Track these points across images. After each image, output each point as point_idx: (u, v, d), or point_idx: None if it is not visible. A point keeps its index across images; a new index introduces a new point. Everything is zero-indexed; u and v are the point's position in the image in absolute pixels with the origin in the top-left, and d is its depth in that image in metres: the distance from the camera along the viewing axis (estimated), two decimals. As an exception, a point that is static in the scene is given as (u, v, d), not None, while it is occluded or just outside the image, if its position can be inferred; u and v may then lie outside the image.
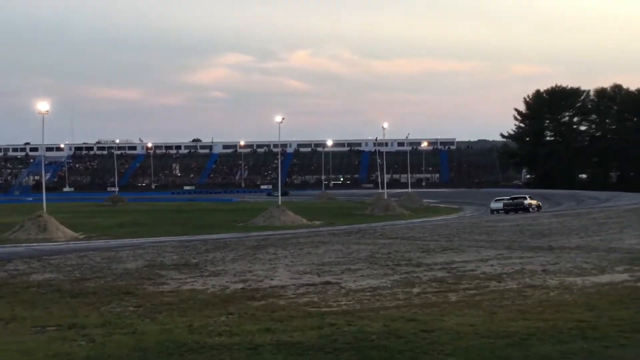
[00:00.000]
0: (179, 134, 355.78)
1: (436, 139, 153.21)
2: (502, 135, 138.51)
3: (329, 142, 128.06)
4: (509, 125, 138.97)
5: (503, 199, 55.81)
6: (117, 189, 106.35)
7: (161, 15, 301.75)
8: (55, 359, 9.22)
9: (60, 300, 13.97)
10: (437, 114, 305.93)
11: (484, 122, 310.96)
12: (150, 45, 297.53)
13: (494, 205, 54.49)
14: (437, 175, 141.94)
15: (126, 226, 43.05)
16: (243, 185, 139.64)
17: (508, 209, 52.33)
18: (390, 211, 57.28)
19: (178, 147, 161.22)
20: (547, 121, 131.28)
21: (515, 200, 54.78)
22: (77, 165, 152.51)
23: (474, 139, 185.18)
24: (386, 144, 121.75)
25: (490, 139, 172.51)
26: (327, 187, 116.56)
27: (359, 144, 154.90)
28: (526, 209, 52.52)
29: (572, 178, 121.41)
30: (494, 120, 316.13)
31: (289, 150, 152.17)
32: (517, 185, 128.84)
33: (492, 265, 17.71)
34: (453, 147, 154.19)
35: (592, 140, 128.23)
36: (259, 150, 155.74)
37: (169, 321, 11.66)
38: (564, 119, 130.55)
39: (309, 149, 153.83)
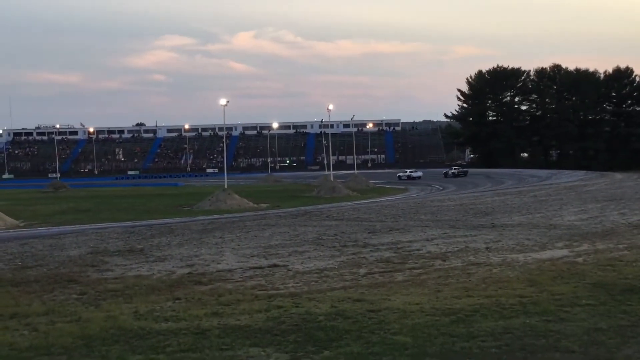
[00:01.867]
0: (122, 119, 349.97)
1: (381, 120, 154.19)
2: (446, 116, 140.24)
3: (275, 125, 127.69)
4: (453, 105, 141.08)
5: (406, 171, 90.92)
6: (58, 175, 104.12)
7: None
8: (-3, 350, 9.02)
9: (0, 290, 13.64)
10: (381, 96, 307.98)
11: (428, 103, 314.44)
12: (89, 27, 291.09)
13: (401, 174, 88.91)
14: (383, 156, 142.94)
15: (69, 213, 42.24)
16: (189, 169, 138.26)
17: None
18: (337, 193, 57.47)
19: (121, 132, 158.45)
20: (490, 101, 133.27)
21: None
22: (16, 151, 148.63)
23: (418, 119, 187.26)
24: (331, 126, 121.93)
25: (435, 120, 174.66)
26: (274, 169, 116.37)
27: (305, 126, 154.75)
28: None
29: (514, 157, 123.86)
30: (438, 101, 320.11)
31: (235, 133, 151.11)
32: (461, 164, 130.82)
33: (437, 244, 17.97)
34: (398, 128, 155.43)
35: (533, 119, 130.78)
36: (204, 133, 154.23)
37: (114, 308, 11.51)
38: (505, 99, 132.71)
39: (254, 132, 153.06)
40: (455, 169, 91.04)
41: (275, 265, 15.52)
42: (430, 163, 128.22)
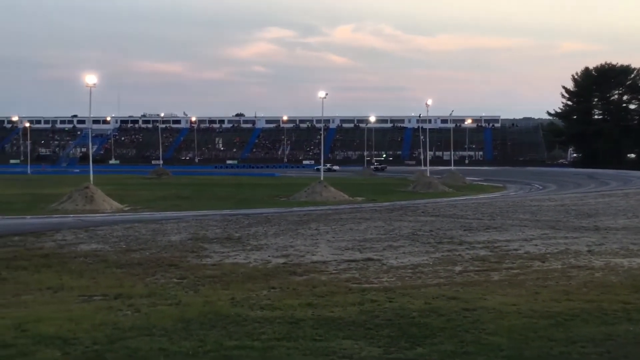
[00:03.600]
0: (222, 108, 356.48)
1: (480, 117, 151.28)
2: (549, 114, 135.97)
3: (372, 118, 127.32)
4: (556, 103, 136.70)
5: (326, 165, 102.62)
6: (161, 162, 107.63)
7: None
8: (102, 328, 9.43)
9: (106, 271, 14.27)
10: (481, 91, 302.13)
11: (530, 100, 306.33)
12: (193, 19, 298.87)
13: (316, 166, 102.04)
14: (481, 153, 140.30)
15: (170, 199, 43.55)
16: (285, 160, 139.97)
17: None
18: (433, 188, 56.85)
19: (221, 122, 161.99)
20: (596, 99, 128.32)
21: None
22: (122, 138, 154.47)
23: (519, 116, 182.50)
24: (429, 121, 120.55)
25: (536, 117, 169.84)
26: (369, 163, 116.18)
27: (402, 121, 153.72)
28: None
29: (620, 158, 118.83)
30: (540, 98, 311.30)
31: (332, 126, 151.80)
32: (563, 164, 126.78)
33: (535, 245, 17.54)
34: (497, 125, 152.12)
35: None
36: (302, 125, 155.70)
37: (211, 294, 11.84)
38: (613, 97, 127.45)
39: (351, 125, 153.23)
40: (377, 164, 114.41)
41: (369, 259, 15.56)
42: (530, 162, 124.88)
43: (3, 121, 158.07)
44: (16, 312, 10.45)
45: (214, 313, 10.27)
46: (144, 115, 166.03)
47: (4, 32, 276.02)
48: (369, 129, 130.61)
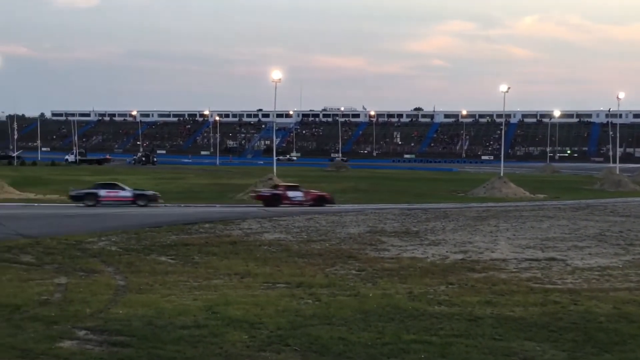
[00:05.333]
0: (401, 102, 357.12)
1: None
2: None
3: (556, 113, 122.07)
4: None
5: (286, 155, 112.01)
6: (340, 155, 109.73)
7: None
8: (285, 314, 9.83)
9: (288, 260, 14.83)
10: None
11: None
12: (374, 13, 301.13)
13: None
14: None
15: (348, 192, 44.31)
16: (463, 155, 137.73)
17: None
18: (622, 187, 53.53)
19: (400, 116, 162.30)
20: None
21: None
22: (303, 132, 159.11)
23: None
24: (620, 116, 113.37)
25: None
26: (552, 159, 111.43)
27: (589, 115, 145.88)
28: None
29: None
30: None
31: (513, 120, 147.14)
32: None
33: None
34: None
35: None
36: (481, 120, 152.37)
37: (389, 287, 11.96)
38: None
39: (533, 120, 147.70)
40: (342, 157, 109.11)
41: (552, 259, 15.01)
42: None
43: (195, 115, 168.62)
44: (207, 295, 11.15)
45: (392, 306, 10.38)
46: (324, 109, 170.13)
47: (198, 32, 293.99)
48: (552, 124, 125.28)
